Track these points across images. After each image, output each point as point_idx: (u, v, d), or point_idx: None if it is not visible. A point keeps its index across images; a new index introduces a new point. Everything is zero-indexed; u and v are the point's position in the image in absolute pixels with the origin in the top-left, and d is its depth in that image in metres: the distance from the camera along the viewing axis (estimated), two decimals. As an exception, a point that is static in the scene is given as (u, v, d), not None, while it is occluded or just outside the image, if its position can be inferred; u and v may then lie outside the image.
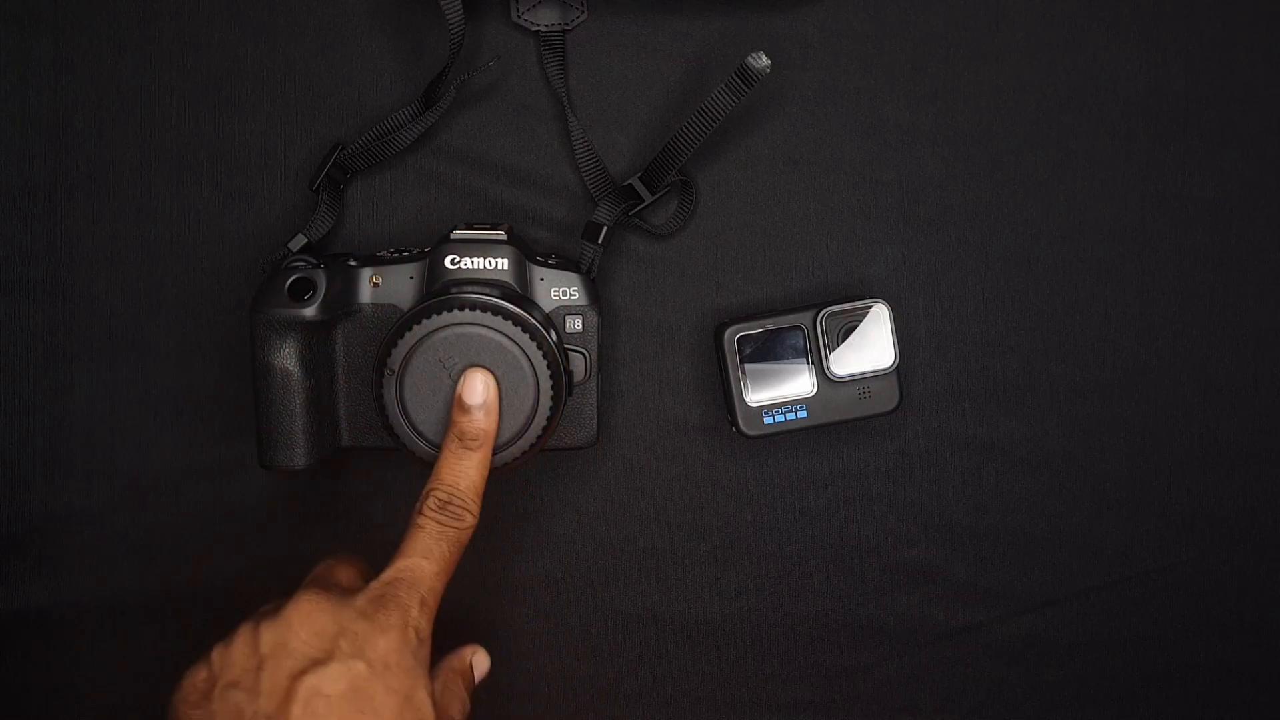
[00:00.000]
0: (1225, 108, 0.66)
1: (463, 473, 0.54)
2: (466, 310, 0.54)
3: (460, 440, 0.55)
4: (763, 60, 0.57)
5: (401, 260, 0.58)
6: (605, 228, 0.62)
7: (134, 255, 0.64)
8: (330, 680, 0.46)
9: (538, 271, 0.59)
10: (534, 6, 0.63)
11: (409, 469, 0.62)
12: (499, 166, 0.64)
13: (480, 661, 0.57)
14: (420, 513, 0.53)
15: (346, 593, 0.51)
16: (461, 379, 0.55)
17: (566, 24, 0.63)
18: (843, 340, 0.63)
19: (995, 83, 0.65)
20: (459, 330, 0.54)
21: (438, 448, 0.55)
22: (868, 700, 0.67)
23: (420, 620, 0.50)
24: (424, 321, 0.54)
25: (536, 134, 0.65)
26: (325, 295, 0.57)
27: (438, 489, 0.53)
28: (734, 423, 0.63)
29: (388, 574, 0.51)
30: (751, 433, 0.63)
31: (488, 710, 0.66)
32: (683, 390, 0.66)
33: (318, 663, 0.47)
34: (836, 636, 0.67)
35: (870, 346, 0.63)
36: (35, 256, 0.63)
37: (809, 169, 0.65)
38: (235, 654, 0.48)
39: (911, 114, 0.65)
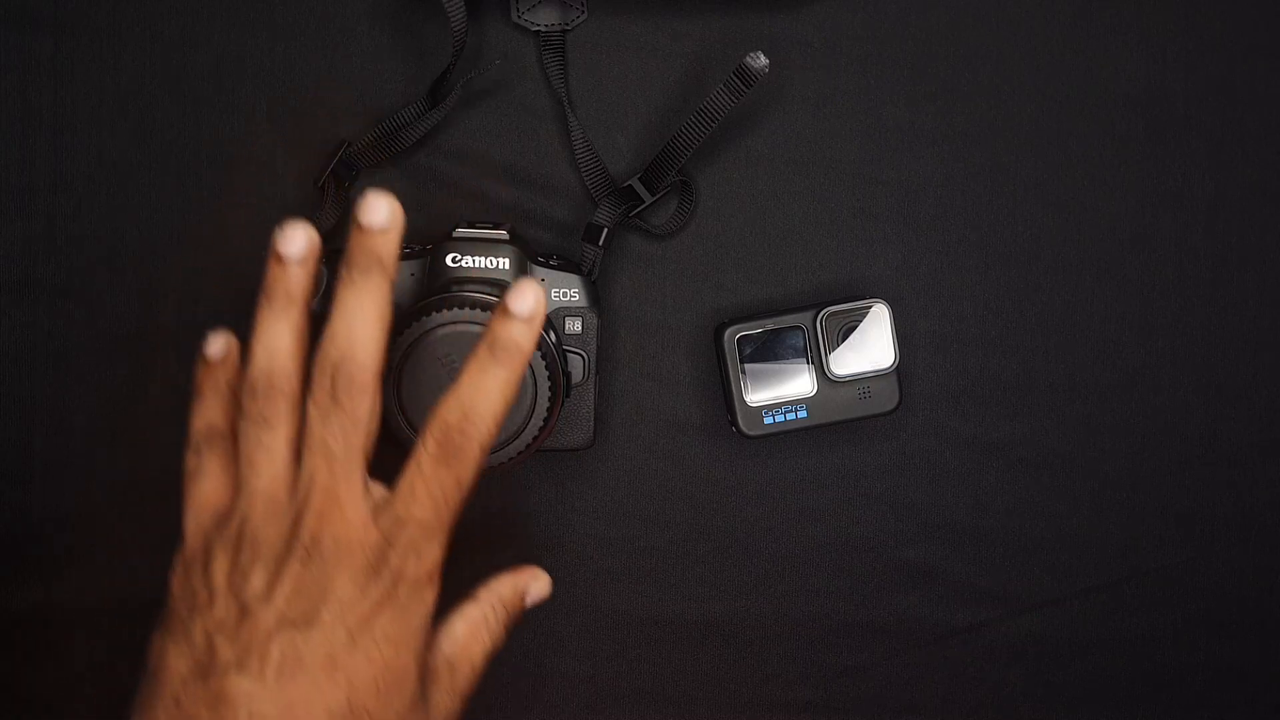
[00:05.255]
0: (1225, 108, 0.66)
1: (483, 390, 0.46)
2: (466, 309, 0.54)
3: (490, 348, 0.47)
4: (761, 60, 0.57)
5: (403, 257, 0.58)
6: (606, 229, 0.62)
7: (134, 255, 0.64)
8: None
9: (538, 272, 0.59)
10: (534, 6, 0.63)
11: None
12: (499, 166, 0.65)
13: (538, 590, 0.53)
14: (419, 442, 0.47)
15: None
16: (511, 287, 0.48)
17: (566, 24, 0.63)
18: (843, 340, 0.63)
19: (995, 83, 0.66)
20: (459, 329, 0.54)
21: None
22: (868, 700, 0.67)
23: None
24: (424, 319, 0.54)
25: (537, 134, 0.65)
26: (326, 291, 0.57)
27: (445, 411, 0.46)
28: (734, 423, 0.63)
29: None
30: (751, 433, 0.63)
31: (486, 711, 0.66)
32: (683, 390, 0.66)
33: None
34: (836, 636, 0.67)
35: (870, 346, 0.63)
36: (35, 256, 0.63)
37: (809, 169, 0.65)
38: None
39: (911, 114, 0.65)
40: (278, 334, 0.48)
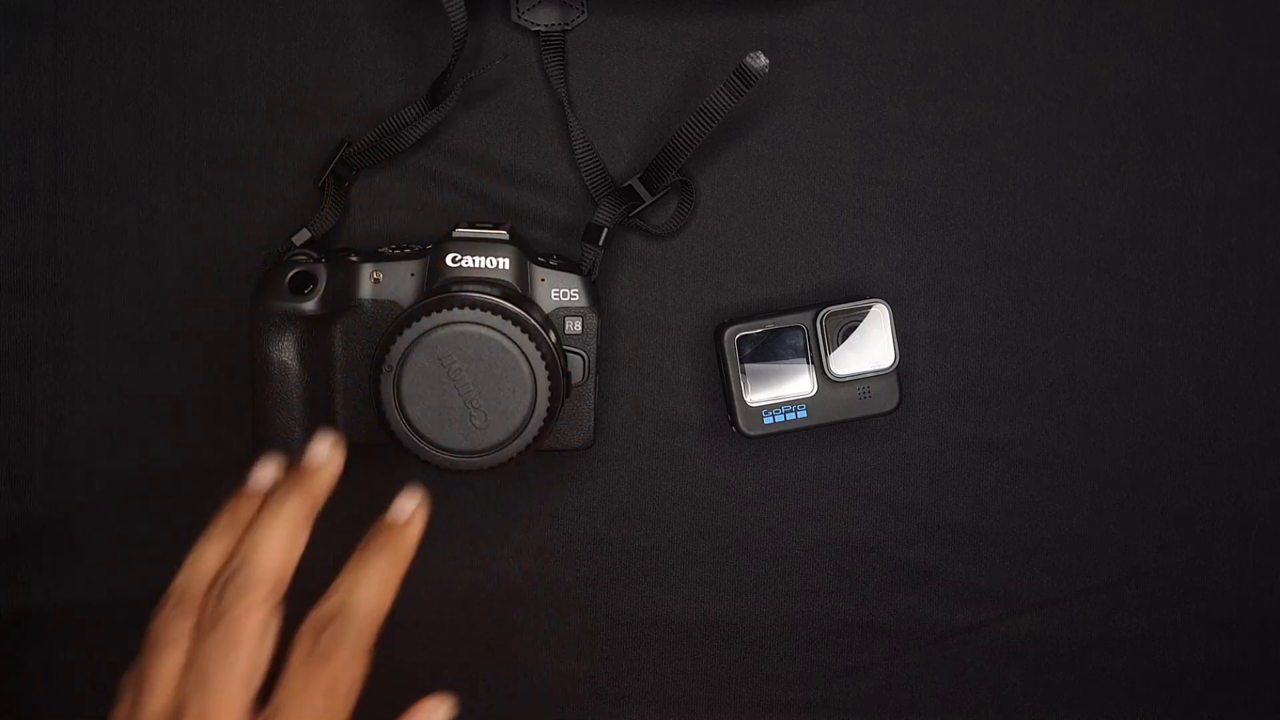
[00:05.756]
0: (1225, 108, 0.66)
1: (361, 583, 0.45)
2: (466, 309, 0.54)
3: (372, 542, 0.47)
4: (761, 60, 0.57)
5: (403, 257, 0.58)
6: (606, 229, 0.62)
7: (134, 255, 0.64)
8: None
9: (539, 272, 0.59)
10: (534, 6, 0.63)
11: (405, 466, 0.62)
12: (499, 166, 0.65)
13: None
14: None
15: None
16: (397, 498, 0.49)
17: (566, 24, 0.63)
18: (843, 340, 0.63)
19: (995, 83, 0.65)
20: (458, 329, 0.54)
21: (434, 445, 0.55)
22: (868, 700, 0.67)
23: None
24: (423, 319, 0.54)
25: (537, 134, 0.65)
26: (325, 290, 0.57)
27: (321, 607, 0.44)
28: (734, 423, 0.63)
29: None
30: (751, 433, 0.63)
31: (487, 710, 0.66)
32: (683, 390, 0.66)
33: None
34: (836, 636, 0.67)
35: (870, 346, 0.63)
36: (35, 256, 0.63)
37: (809, 169, 0.65)
38: None
39: (911, 114, 0.65)
40: (204, 555, 0.46)
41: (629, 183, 0.62)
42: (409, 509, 0.48)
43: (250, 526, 0.46)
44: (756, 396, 0.62)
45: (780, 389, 0.63)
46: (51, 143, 0.63)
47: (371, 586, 0.45)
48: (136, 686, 0.44)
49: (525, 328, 0.55)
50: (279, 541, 0.45)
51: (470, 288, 0.56)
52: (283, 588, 0.44)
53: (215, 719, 0.41)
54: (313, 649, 0.43)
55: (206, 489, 0.64)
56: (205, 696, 0.41)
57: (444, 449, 0.56)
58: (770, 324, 0.62)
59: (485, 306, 0.54)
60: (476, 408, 0.55)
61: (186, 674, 0.42)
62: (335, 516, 0.66)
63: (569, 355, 0.59)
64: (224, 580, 0.44)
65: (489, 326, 0.55)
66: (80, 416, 0.64)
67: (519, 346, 0.55)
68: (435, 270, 0.57)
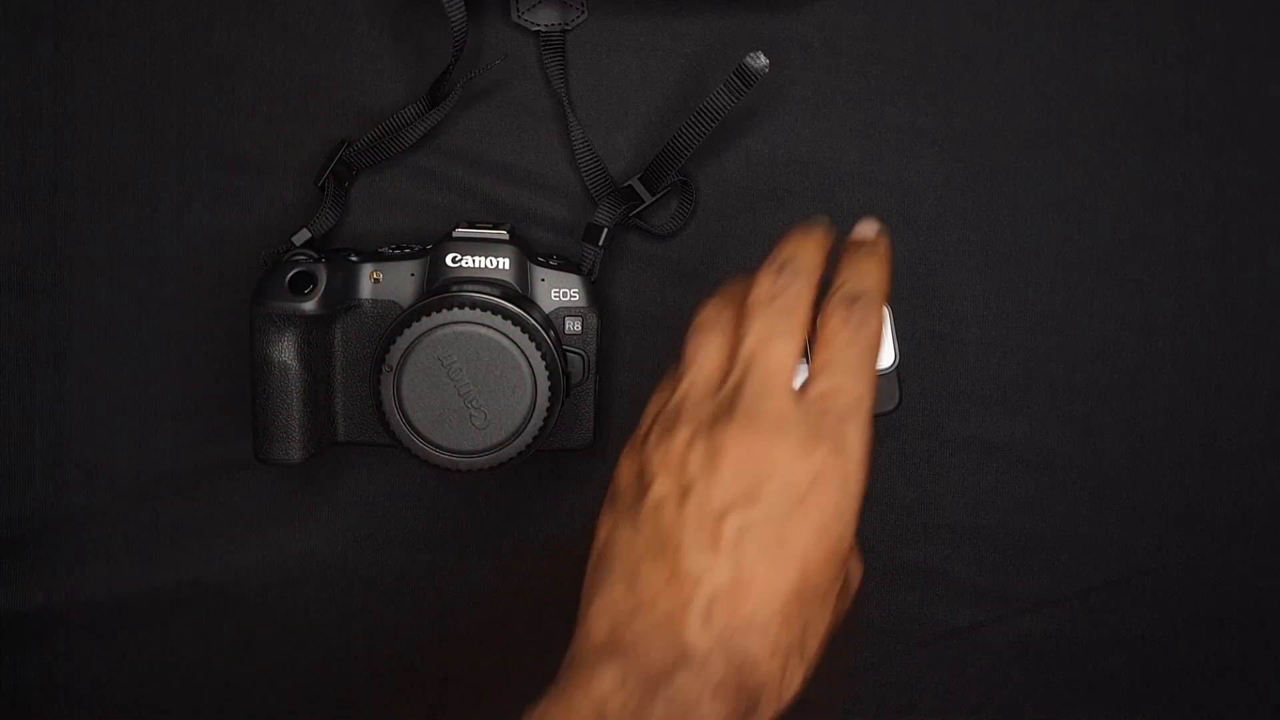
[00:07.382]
0: (1225, 108, 0.66)
1: (864, 273, 0.49)
2: (466, 309, 0.54)
3: (857, 246, 0.50)
4: (761, 60, 0.57)
5: (403, 257, 0.58)
6: (606, 229, 0.62)
7: (134, 255, 0.64)
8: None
9: (538, 272, 0.59)
10: (534, 6, 0.63)
11: (405, 465, 0.62)
12: (499, 166, 0.65)
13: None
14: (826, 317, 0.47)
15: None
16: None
17: (566, 24, 0.63)
18: (843, 340, 0.62)
19: (995, 83, 0.65)
20: (458, 329, 0.54)
21: (434, 445, 0.55)
22: (868, 700, 0.67)
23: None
24: (423, 319, 0.54)
25: (536, 134, 0.65)
26: (325, 290, 0.57)
27: (843, 285, 0.48)
28: (734, 422, 0.63)
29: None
30: (751, 432, 0.62)
31: (487, 709, 0.66)
32: (682, 390, 0.65)
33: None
34: (836, 636, 0.67)
35: (870, 346, 0.62)
36: (35, 256, 0.63)
37: (809, 169, 0.65)
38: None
39: (911, 114, 0.65)
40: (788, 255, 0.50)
41: (629, 183, 0.62)
42: (873, 228, 0.51)
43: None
44: (756, 396, 0.62)
45: (780, 389, 0.62)
46: (51, 143, 0.63)
47: (871, 272, 0.48)
48: (679, 370, 0.50)
49: (525, 328, 0.55)
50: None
51: (470, 288, 0.56)
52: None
53: (776, 375, 0.46)
54: (847, 317, 0.47)
55: (206, 489, 0.65)
56: (769, 355, 0.47)
57: (444, 449, 0.56)
58: (770, 324, 0.62)
59: (485, 306, 0.55)
60: (476, 408, 0.55)
61: (734, 350, 0.47)
62: (337, 517, 0.66)
63: (569, 355, 0.59)
64: (780, 264, 0.48)
65: (489, 326, 0.55)
66: (80, 416, 0.64)
67: (519, 346, 0.55)
68: (435, 270, 0.57)
